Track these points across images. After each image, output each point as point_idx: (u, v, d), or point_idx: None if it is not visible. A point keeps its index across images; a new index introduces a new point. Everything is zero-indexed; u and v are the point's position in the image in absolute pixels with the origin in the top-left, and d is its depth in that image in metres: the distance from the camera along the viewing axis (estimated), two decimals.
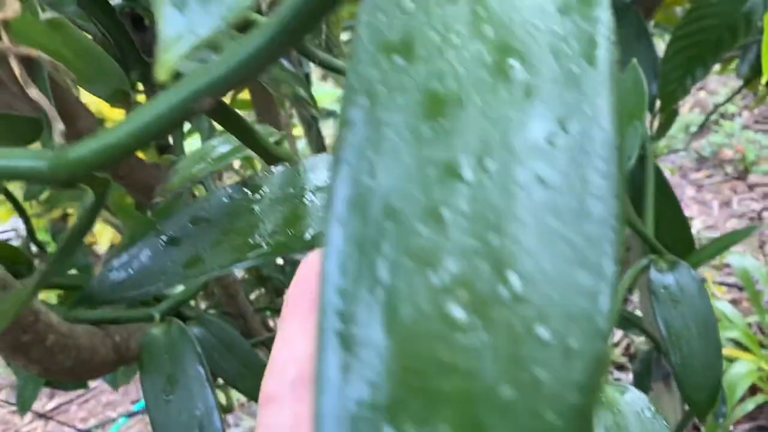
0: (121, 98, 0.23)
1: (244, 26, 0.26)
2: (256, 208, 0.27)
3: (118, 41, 0.21)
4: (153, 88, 0.26)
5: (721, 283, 2.00)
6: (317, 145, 1.18)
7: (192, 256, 0.25)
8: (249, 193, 0.27)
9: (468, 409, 0.09)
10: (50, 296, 0.77)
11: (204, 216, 0.26)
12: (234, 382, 0.57)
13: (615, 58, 0.12)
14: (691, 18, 0.70)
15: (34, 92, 0.19)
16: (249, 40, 0.15)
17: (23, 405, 0.58)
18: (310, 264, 0.18)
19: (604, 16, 0.12)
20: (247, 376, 0.58)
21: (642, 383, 0.81)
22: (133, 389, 2.02)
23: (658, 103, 0.71)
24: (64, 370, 0.41)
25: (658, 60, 0.67)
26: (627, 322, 0.78)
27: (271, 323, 0.96)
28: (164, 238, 0.26)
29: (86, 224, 0.21)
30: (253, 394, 0.59)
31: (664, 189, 0.63)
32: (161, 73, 0.11)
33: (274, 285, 0.99)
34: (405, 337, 0.10)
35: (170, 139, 0.66)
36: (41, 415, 1.69)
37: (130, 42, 0.22)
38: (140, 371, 0.43)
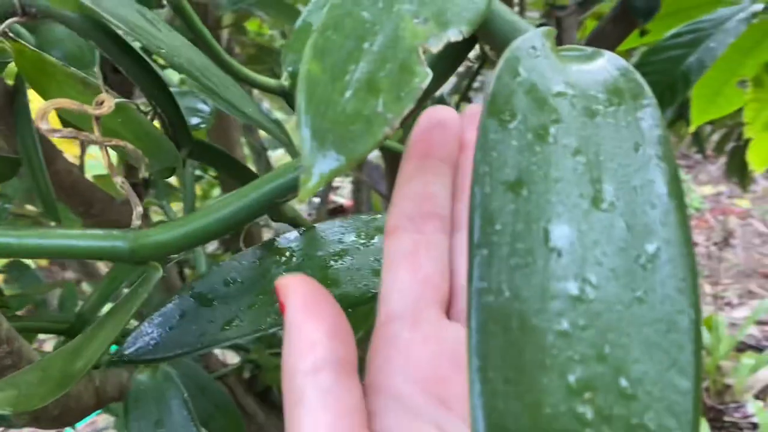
0: (170, 174, 0.24)
1: None
2: (283, 270, 0.29)
3: (171, 121, 0.23)
4: (200, 159, 0.28)
5: None
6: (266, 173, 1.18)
7: (229, 318, 0.27)
8: (276, 255, 0.29)
9: None
10: None
11: (236, 278, 0.28)
12: (206, 422, 0.57)
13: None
14: None
15: (119, 179, 0.20)
16: None
17: None
18: (429, 115, 0.19)
19: (675, 166, 0.15)
20: (218, 416, 0.58)
21: None
22: None
23: None
24: (51, 419, 0.40)
25: None
26: None
27: (222, 357, 0.96)
28: (196, 299, 0.28)
29: (141, 296, 0.22)
30: None
31: None
32: (303, 196, 0.13)
33: None
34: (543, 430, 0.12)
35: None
36: None
37: (182, 120, 0.23)
38: (126, 416, 0.43)
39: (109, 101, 0.19)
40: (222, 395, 0.59)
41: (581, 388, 0.12)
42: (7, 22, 0.19)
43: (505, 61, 0.15)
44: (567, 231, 0.14)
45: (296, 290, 0.17)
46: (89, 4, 0.19)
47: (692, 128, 0.98)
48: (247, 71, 0.32)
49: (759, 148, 0.97)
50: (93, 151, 0.91)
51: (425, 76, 0.15)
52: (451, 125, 0.19)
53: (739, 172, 1.83)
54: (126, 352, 0.27)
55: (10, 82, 0.50)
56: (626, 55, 0.92)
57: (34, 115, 0.51)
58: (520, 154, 0.14)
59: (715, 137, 1.80)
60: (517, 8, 0.84)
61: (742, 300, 2.30)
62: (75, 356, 0.24)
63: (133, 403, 0.43)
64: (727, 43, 0.73)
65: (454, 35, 0.16)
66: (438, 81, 0.19)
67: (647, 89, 0.16)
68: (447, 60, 0.19)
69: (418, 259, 0.17)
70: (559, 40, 0.64)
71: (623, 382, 0.13)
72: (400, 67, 0.15)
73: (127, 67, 0.22)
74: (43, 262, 1.09)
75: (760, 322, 2.08)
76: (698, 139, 1.75)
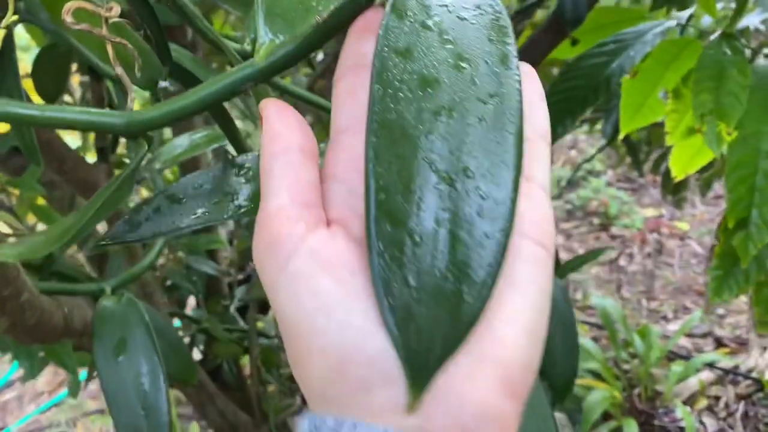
0: (154, 85, 0.30)
1: None
2: (242, 179, 0.35)
3: (157, 42, 0.29)
4: (177, 79, 0.34)
5: (585, 322, 2.20)
6: None
7: (196, 210, 0.33)
8: (236, 169, 0.35)
9: None
10: None
11: (202, 183, 0.34)
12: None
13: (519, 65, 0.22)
14: (563, 78, 0.84)
15: (119, 70, 0.26)
16: None
17: None
18: (366, 14, 0.25)
19: (512, 46, 0.22)
20: (173, 358, 0.63)
21: None
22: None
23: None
24: (26, 328, 0.45)
25: None
26: None
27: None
28: (168, 198, 0.34)
29: (136, 167, 0.28)
30: (178, 376, 0.64)
31: None
32: (259, 59, 0.20)
33: (180, 294, 1.03)
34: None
35: (109, 144, 0.72)
36: None
37: (165, 44, 0.29)
38: (93, 336, 0.48)
39: (116, 7, 0.25)
40: (178, 339, 0.64)
41: (438, 170, 0.19)
42: None
43: None
44: (437, 80, 0.21)
45: (272, 104, 0.24)
46: None
47: (621, 136, 1.07)
48: (216, 34, 0.38)
49: (679, 156, 1.07)
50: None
51: None
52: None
53: (672, 192, 1.95)
54: (111, 234, 0.33)
55: None
56: (560, 62, 1.01)
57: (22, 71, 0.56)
58: (409, 36, 0.21)
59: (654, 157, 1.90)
60: None
61: (677, 315, 2.41)
62: (69, 221, 0.29)
63: (99, 323, 0.48)
64: (644, 52, 0.83)
65: None
66: (360, 6, 0.26)
67: (500, 4, 0.23)
68: None
69: (356, 94, 0.23)
70: None
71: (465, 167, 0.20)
72: None
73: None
74: None
75: (690, 335, 2.20)
76: (636, 161, 1.86)
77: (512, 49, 0.22)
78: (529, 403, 0.49)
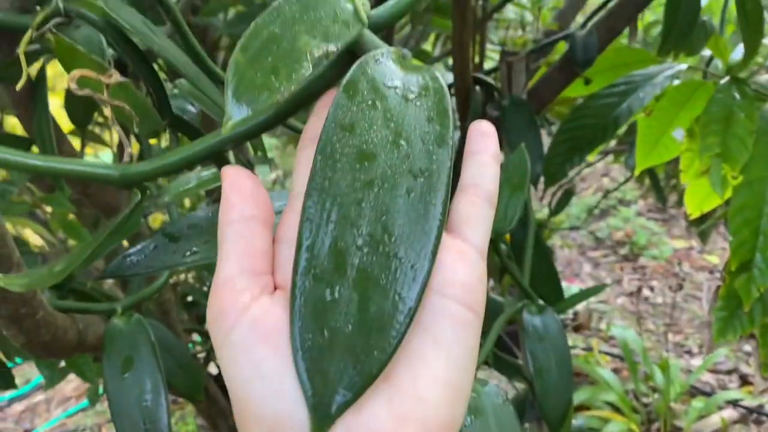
0: (155, 136, 0.34)
1: None
2: None
3: (158, 97, 0.33)
4: (175, 131, 0.38)
5: (606, 353, 2.19)
6: None
7: (189, 249, 0.36)
8: None
9: None
10: None
11: (196, 223, 0.38)
12: (169, 378, 0.66)
13: (454, 144, 0.25)
14: (573, 116, 0.86)
15: (117, 128, 0.30)
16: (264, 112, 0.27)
17: None
18: (320, 106, 0.28)
19: (449, 126, 0.25)
20: (181, 375, 0.67)
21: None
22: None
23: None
24: (41, 344, 0.49)
25: (542, 146, 0.83)
26: (511, 368, 0.91)
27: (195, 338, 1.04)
28: (166, 236, 0.37)
29: (136, 212, 0.32)
30: (185, 392, 0.68)
31: (541, 249, 0.77)
32: (226, 131, 0.23)
33: (200, 310, 1.08)
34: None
35: None
36: None
37: (167, 99, 0.33)
38: (103, 352, 0.52)
39: (116, 75, 0.29)
40: (186, 356, 0.67)
41: (362, 234, 0.22)
42: (54, 20, 0.29)
43: (359, 62, 0.26)
44: (374, 155, 0.24)
45: (230, 172, 0.27)
46: (111, 12, 0.30)
47: (636, 172, 1.08)
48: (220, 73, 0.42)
49: (693, 194, 1.08)
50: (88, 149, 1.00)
51: (308, 69, 0.25)
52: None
53: (698, 224, 1.94)
54: (110, 269, 0.36)
55: (32, 76, 0.60)
56: (572, 100, 1.03)
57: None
58: (355, 114, 0.24)
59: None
60: (478, 57, 0.95)
61: (702, 349, 2.38)
62: (69, 258, 0.33)
63: (109, 341, 0.52)
64: (654, 94, 0.85)
65: (332, 48, 0.26)
66: (328, 84, 0.29)
67: (444, 88, 0.26)
68: (335, 69, 0.29)
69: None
70: (509, 82, 0.75)
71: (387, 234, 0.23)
72: (293, 60, 0.25)
73: (132, 57, 0.32)
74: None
75: (715, 371, 2.17)
76: (659, 194, 1.86)
77: (449, 130, 0.25)
78: (502, 429, 0.51)
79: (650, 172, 1.71)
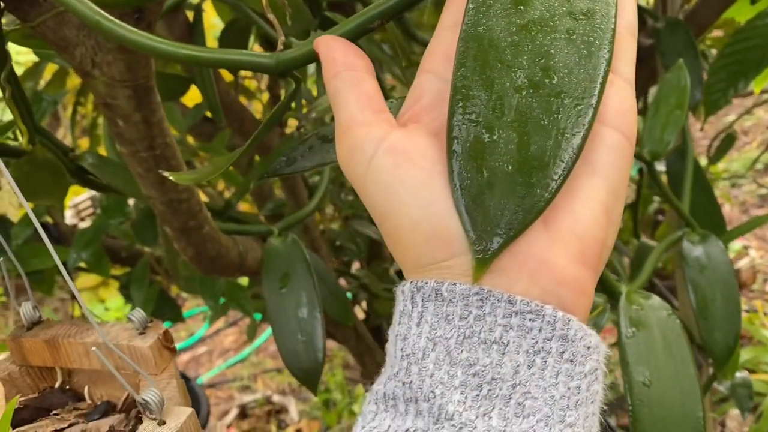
0: (306, 35, 0.35)
1: None
2: None
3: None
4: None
5: None
6: None
7: None
8: None
9: None
10: None
11: None
12: (323, 305, 0.69)
13: None
14: (737, 38, 0.79)
15: (271, 16, 0.31)
16: None
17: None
18: None
19: None
20: (333, 302, 0.70)
21: None
22: None
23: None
24: (208, 259, 0.53)
25: (701, 70, 0.77)
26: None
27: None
28: (320, 138, 0.39)
29: (288, 102, 0.33)
30: (337, 317, 0.71)
31: (700, 179, 0.72)
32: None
33: (346, 256, 1.11)
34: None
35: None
36: None
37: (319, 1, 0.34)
38: (262, 270, 0.55)
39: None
40: (337, 285, 0.70)
41: (519, 76, 0.22)
42: None
43: None
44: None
45: (322, 40, 0.28)
46: None
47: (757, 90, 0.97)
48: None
49: None
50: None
51: None
52: None
53: None
54: (272, 169, 0.38)
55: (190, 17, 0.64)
56: (735, 23, 0.94)
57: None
58: None
59: None
60: None
61: None
62: (230, 155, 0.35)
63: (268, 258, 0.55)
64: None
65: None
66: None
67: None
68: None
69: None
70: (663, 3, 0.70)
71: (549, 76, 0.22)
72: None
73: None
74: None
75: None
76: None
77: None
78: (667, 342, 0.49)
79: None
